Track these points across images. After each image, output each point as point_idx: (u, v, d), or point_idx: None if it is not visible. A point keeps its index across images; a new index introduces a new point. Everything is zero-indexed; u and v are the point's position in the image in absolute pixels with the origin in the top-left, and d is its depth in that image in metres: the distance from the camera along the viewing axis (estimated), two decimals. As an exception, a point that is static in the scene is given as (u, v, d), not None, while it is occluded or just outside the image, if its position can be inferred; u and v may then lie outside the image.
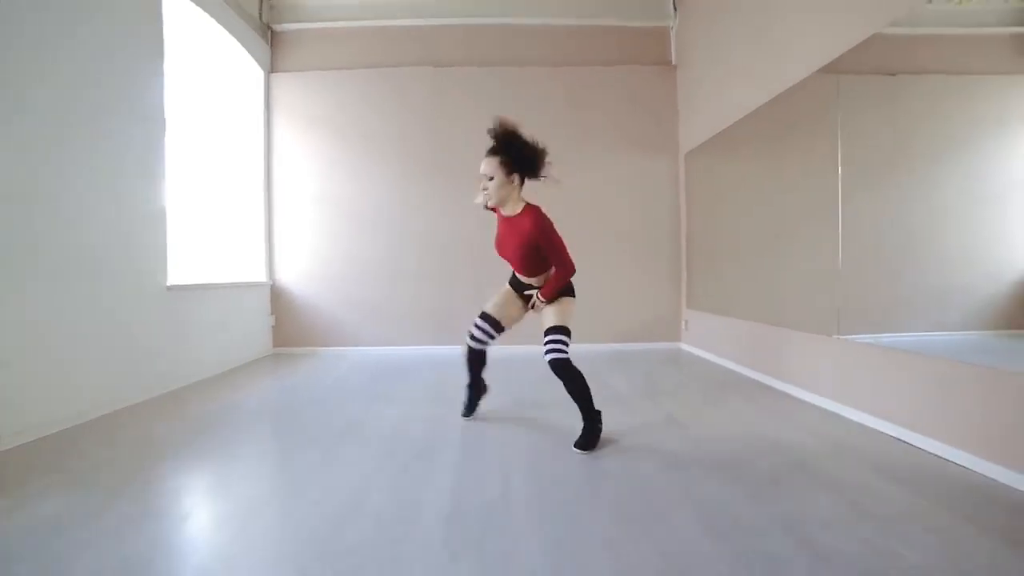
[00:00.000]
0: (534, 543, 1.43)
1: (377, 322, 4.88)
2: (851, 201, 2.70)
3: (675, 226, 4.98)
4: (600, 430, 2.20)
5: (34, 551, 1.41)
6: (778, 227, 3.40)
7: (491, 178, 2.14)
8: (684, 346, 4.85)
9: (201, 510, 1.71)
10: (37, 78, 2.41)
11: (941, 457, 2.02)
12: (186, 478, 1.97)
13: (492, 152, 2.16)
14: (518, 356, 4.13)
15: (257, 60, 4.73)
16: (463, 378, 2.66)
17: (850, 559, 1.32)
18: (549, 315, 2.27)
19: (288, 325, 4.91)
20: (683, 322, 4.90)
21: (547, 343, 2.20)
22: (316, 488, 1.82)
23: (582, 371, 2.20)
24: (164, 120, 3.32)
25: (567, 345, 2.20)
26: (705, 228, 4.53)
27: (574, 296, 2.35)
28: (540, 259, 2.25)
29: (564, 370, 2.16)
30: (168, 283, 3.33)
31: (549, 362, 2.17)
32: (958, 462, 1.95)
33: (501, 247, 2.33)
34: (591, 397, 2.19)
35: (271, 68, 4.95)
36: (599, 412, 2.22)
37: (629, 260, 4.94)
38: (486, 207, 2.25)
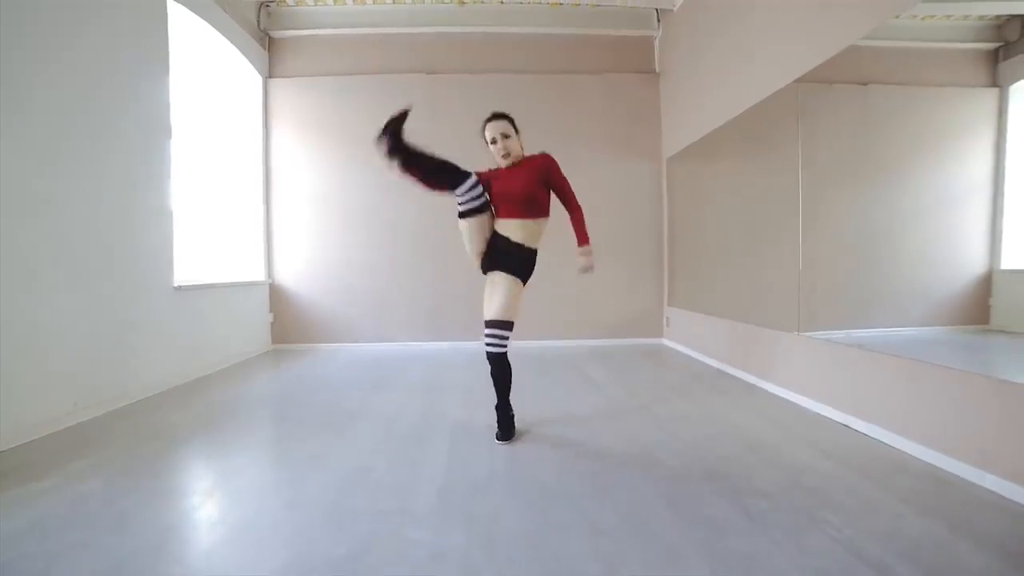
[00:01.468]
0: (517, 510, 1.67)
1: (373, 319, 5.09)
2: (819, 204, 2.90)
3: (658, 227, 5.23)
4: (513, 418, 2.40)
5: (84, 520, 1.63)
6: (754, 229, 3.63)
7: (507, 136, 2.35)
8: (666, 342, 5.11)
9: (217, 488, 1.93)
10: (46, 84, 2.56)
11: (876, 439, 2.28)
12: (202, 460, 2.19)
13: (496, 117, 2.38)
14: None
15: (255, 66, 4.90)
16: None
17: (781, 522, 1.58)
18: (494, 303, 2.31)
19: (286, 322, 5.11)
20: (665, 319, 5.16)
21: (488, 336, 2.31)
22: (322, 467, 2.05)
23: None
24: (170, 126, 3.50)
25: (506, 340, 2.32)
26: (686, 230, 4.79)
27: (530, 275, 2.39)
28: (539, 201, 2.34)
29: (498, 364, 2.34)
30: (175, 284, 3.52)
31: (487, 354, 2.34)
32: (890, 443, 2.22)
33: (503, 194, 2.32)
34: (509, 391, 2.40)
35: (269, 74, 5.11)
36: (510, 405, 2.42)
37: (613, 259, 5.17)
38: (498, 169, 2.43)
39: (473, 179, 2.19)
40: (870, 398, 2.40)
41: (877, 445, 2.23)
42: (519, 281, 2.34)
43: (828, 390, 2.68)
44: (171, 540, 1.52)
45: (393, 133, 2.09)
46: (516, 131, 2.38)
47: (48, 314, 2.52)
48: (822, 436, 2.36)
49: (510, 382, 2.40)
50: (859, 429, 2.41)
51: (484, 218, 2.29)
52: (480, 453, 2.20)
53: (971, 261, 2.53)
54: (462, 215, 2.27)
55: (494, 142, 2.36)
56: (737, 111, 3.62)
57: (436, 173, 2.18)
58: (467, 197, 2.20)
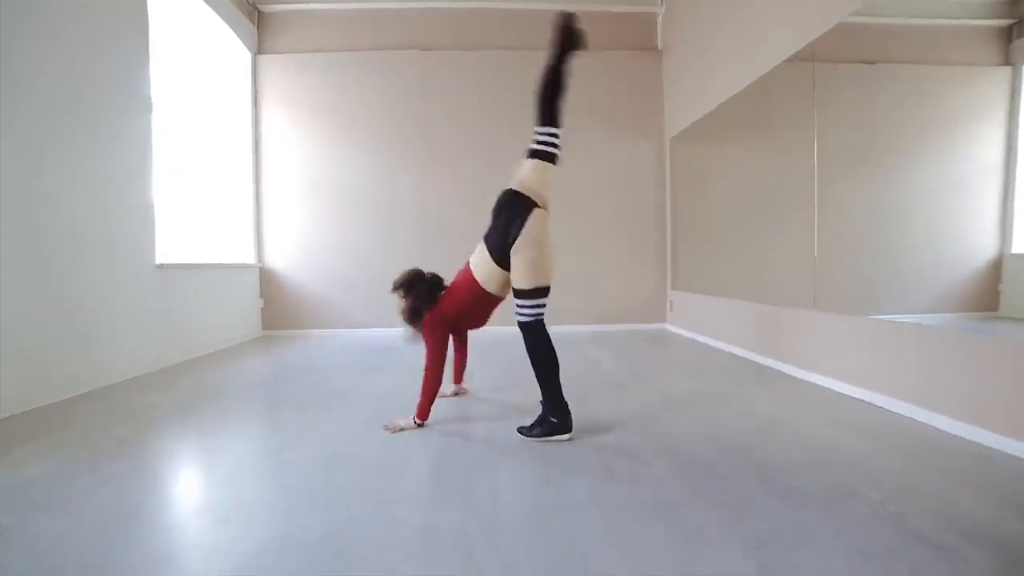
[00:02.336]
0: (519, 487, 1.52)
1: (366, 304, 4.92)
2: (825, 187, 2.78)
3: (660, 210, 5.07)
4: (564, 406, 1.95)
5: (31, 499, 1.46)
6: (760, 211, 3.50)
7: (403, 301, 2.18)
8: (669, 327, 4.96)
9: (195, 466, 1.77)
10: (10, 51, 2.38)
11: (904, 416, 2.14)
12: (185, 437, 2.02)
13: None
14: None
15: (244, 41, 4.71)
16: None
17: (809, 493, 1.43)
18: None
19: (277, 308, 4.94)
20: (668, 303, 5.01)
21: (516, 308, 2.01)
22: (309, 440, 1.89)
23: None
24: (150, 99, 3.32)
25: (533, 308, 1.95)
26: (690, 211, 4.63)
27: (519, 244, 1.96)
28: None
29: (531, 335, 1.96)
30: (157, 261, 3.34)
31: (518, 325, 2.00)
32: (920, 419, 2.07)
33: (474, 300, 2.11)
34: (550, 369, 1.95)
35: (258, 49, 4.92)
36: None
37: (615, 243, 5.02)
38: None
39: (560, 132, 1.97)
40: (894, 373, 2.25)
41: (906, 421, 2.08)
42: (528, 245, 1.91)
43: (849, 368, 2.53)
44: (126, 521, 1.35)
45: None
46: (404, 292, 2.17)
47: (15, 288, 2.35)
48: (846, 414, 2.21)
49: (550, 358, 1.94)
50: (885, 406, 2.26)
51: (551, 169, 1.99)
52: (478, 431, 2.05)
53: (981, 245, 2.44)
54: (539, 154, 1.96)
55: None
56: (742, 85, 3.48)
57: (555, 95, 1.99)
58: (553, 140, 1.96)
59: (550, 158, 1.96)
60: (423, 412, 2.04)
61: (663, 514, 1.34)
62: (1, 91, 2.29)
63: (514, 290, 1.96)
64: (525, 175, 1.96)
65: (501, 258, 1.95)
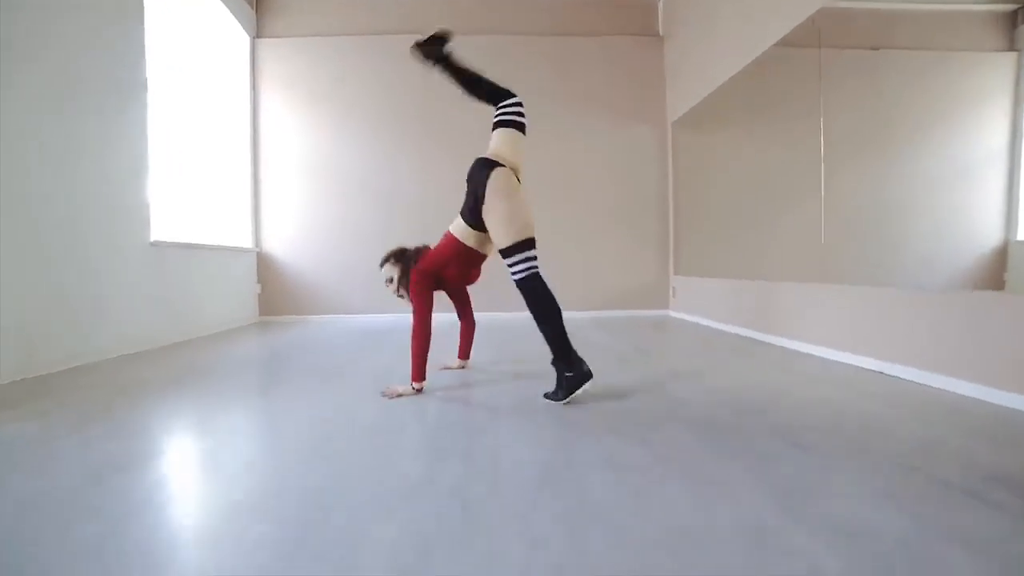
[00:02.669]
0: (525, 447, 1.45)
1: (365, 290, 4.84)
2: (833, 174, 2.74)
3: (662, 196, 5.01)
4: (579, 362, 1.87)
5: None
6: (762, 197, 3.44)
7: (390, 280, 2.32)
8: (672, 313, 4.90)
9: (186, 429, 1.70)
10: (16, 34, 2.34)
11: (918, 383, 2.07)
12: (177, 404, 1.95)
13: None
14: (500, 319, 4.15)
15: (243, 24, 4.65)
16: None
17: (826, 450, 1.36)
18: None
19: (275, 293, 4.86)
20: (671, 289, 4.95)
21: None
22: (305, 407, 1.82)
23: (570, 330, 1.94)
24: (145, 78, 3.26)
25: (524, 261, 1.91)
26: (693, 198, 4.57)
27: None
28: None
29: (529, 290, 1.92)
30: (152, 239, 3.27)
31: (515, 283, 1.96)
32: (936, 386, 2.01)
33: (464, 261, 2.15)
34: (554, 318, 1.89)
35: (257, 33, 4.87)
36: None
37: (616, 229, 4.96)
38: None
39: (519, 100, 2.01)
40: (904, 342, 2.19)
41: (920, 388, 2.02)
42: (496, 200, 1.89)
43: (857, 339, 2.47)
44: (109, 474, 1.28)
45: (437, 41, 1.96)
46: (395, 260, 2.30)
47: (12, 265, 2.29)
48: (858, 382, 2.14)
49: (552, 309, 1.88)
50: (897, 375, 2.20)
51: (519, 135, 2.01)
52: (479, 397, 1.98)
53: (986, 232, 2.36)
54: (501, 124, 2.00)
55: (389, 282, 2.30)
56: (743, 63, 3.44)
57: (476, 84, 2.03)
58: (510, 110, 2.00)
59: (512, 124, 2.00)
60: (417, 373, 1.99)
61: (681, 468, 1.27)
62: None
63: (500, 252, 1.93)
64: (493, 144, 2.02)
65: (475, 221, 1.97)
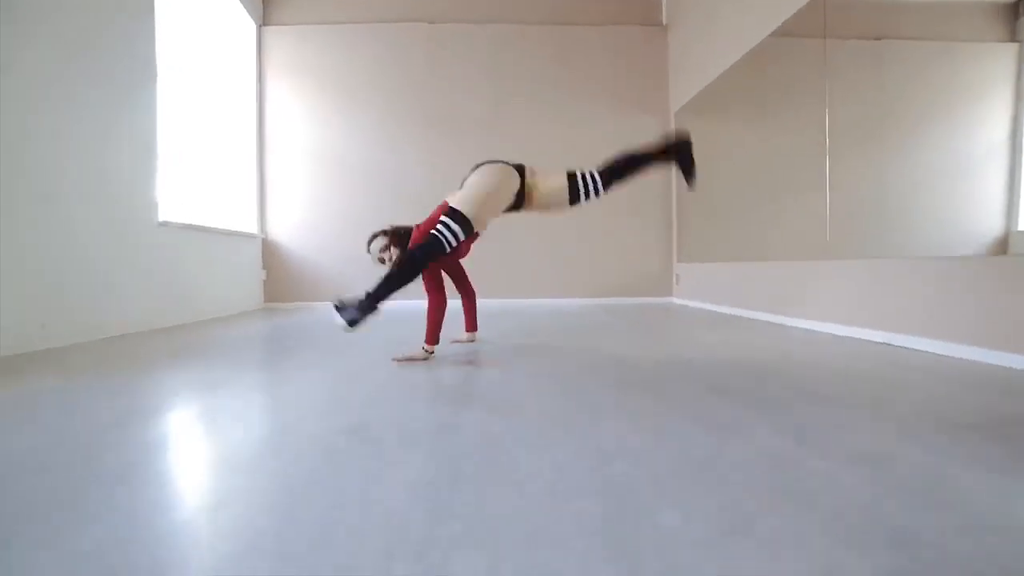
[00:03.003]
0: (532, 394, 1.46)
1: (370, 277, 4.83)
2: (837, 163, 2.75)
3: (666, 184, 5.03)
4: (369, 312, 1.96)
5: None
6: (768, 186, 3.45)
7: (383, 250, 2.30)
8: (676, 300, 4.91)
9: (189, 388, 1.71)
10: (23, 19, 2.36)
11: (925, 351, 2.09)
12: (180, 371, 1.96)
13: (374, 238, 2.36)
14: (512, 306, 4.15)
15: (249, 12, 4.67)
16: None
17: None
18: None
19: (280, 280, 4.88)
20: (674, 276, 4.97)
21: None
22: (315, 372, 1.83)
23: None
24: (155, 67, 3.29)
25: (446, 231, 1.94)
26: (696, 187, 4.57)
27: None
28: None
29: (421, 248, 1.99)
30: (160, 219, 3.29)
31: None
32: (943, 353, 2.03)
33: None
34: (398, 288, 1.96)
35: (263, 21, 4.89)
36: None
37: (619, 217, 4.98)
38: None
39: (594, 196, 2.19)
40: (908, 311, 2.21)
41: (927, 355, 2.03)
42: (477, 182, 2.00)
43: (862, 312, 2.49)
44: (104, 431, 1.29)
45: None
46: (392, 245, 2.25)
47: (20, 236, 2.30)
48: (866, 352, 2.16)
49: (406, 278, 1.95)
50: (903, 344, 2.22)
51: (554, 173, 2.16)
52: (490, 361, 1.99)
53: (987, 223, 2.37)
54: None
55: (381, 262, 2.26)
56: (747, 48, 3.45)
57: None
58: (587, 186, 2.20)
59: (575, 193, 2.15)
60: (431, 336, 2.02)
61: (695, 414, 1.29)
62: (3, 49, 2.25)
63: (448, 208, 1.94)
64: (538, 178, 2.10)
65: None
